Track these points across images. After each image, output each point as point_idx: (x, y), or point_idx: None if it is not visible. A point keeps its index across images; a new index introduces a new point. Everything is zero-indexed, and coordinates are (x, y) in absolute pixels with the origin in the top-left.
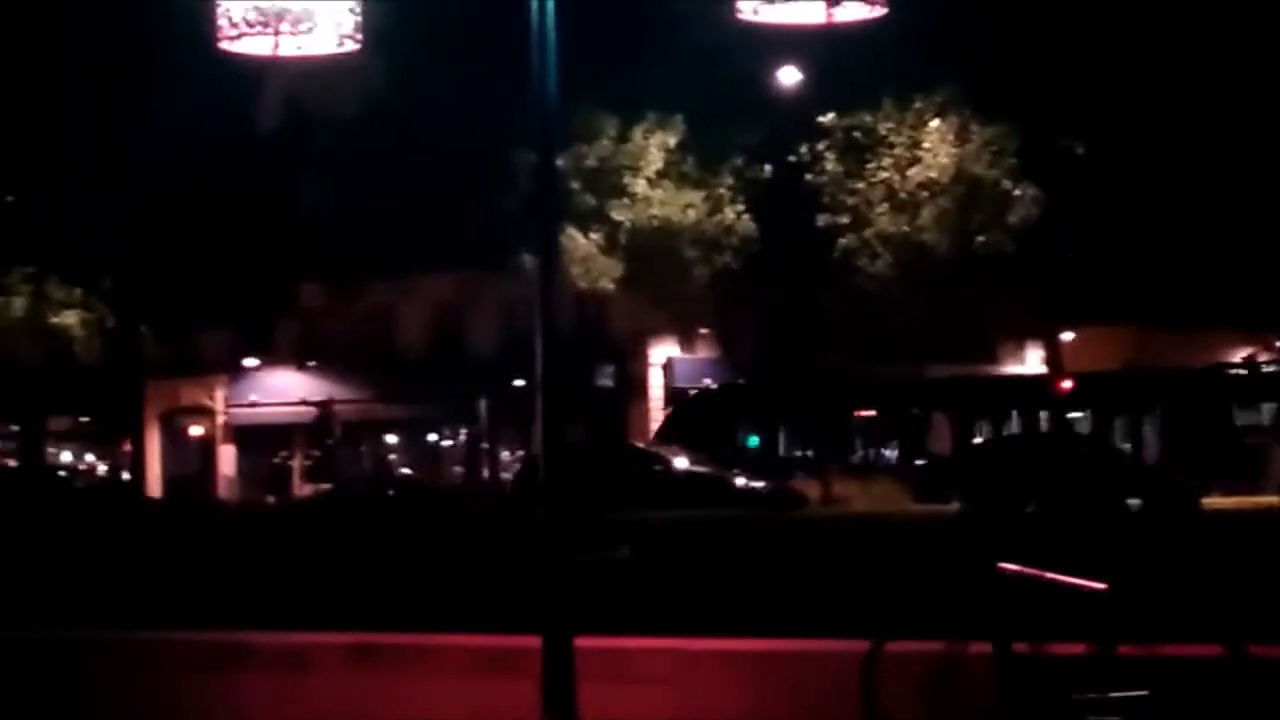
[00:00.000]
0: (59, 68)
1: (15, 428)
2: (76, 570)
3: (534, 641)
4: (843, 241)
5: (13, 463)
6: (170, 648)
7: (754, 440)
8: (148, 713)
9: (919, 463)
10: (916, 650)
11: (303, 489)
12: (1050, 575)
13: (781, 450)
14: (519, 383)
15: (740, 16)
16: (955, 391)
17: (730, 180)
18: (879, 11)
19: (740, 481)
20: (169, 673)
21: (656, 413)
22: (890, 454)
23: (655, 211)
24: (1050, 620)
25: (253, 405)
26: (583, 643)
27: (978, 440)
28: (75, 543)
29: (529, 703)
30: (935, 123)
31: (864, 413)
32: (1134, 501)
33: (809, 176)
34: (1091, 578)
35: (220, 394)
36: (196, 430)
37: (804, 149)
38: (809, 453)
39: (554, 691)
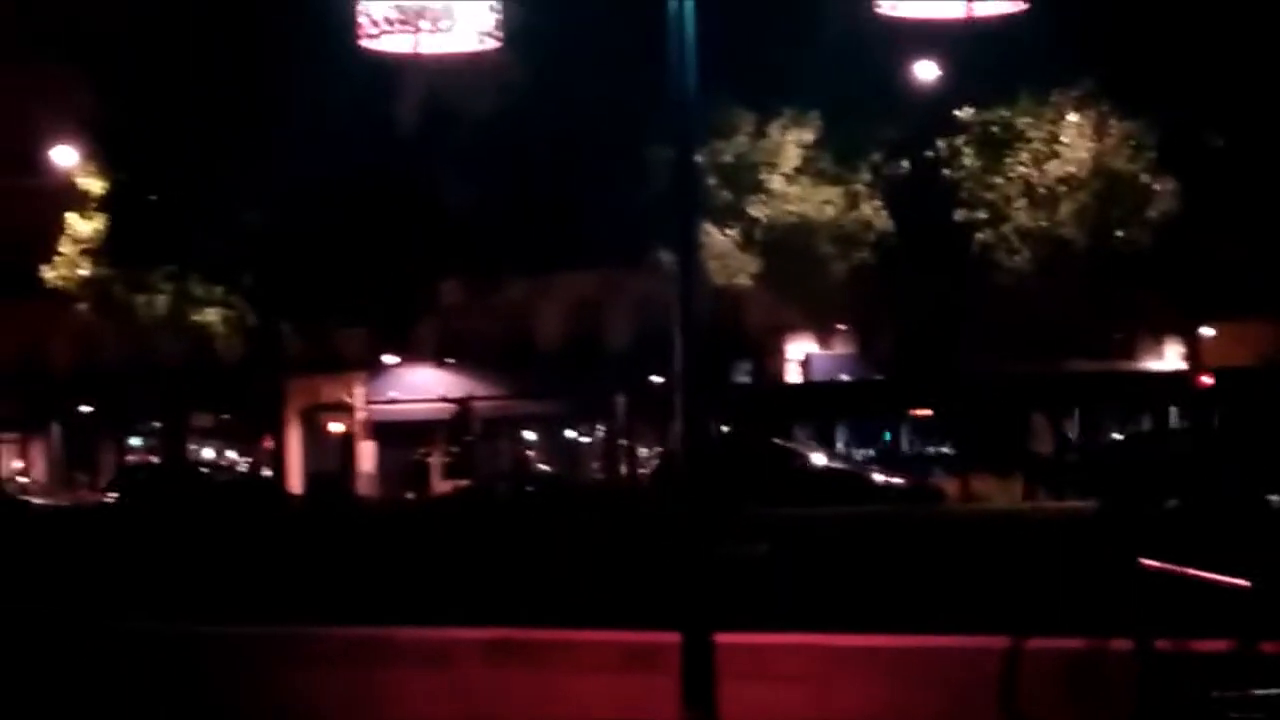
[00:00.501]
0: (202, 67)
1: (158, 424)
2: (220, 565)
3: (674, 638)
4: (980, 237)
5: (155, 459)
6: (312, 642)
7: (888, 436)
8: (288, 707)
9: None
10: (1057, 647)
11: (442, 485)
12: (1192, 572)
13: (910, 447)
14: (657, 379)
15: (880, 11)
16: (1094, 387)
17: (867, 176)
18: (1018, 5)
19: (878, 478)
20: (311, 668)
21: None
22: (1038, 450)
23: (792, 207)
24: (1192, 617)
25: (392, 402)
26: (723, 639)
27: (1117, 436)
28: (218, 538)
29: (669, 699)
30: (1073, 117)
31: (1000, 408)
32: (1276, 498)
33: (946, 171)
34: (1234, 574)
35: (360, 391)
36: (336, 427)
37: (941, 144)
38: (944, 449)
39: (694, 688)
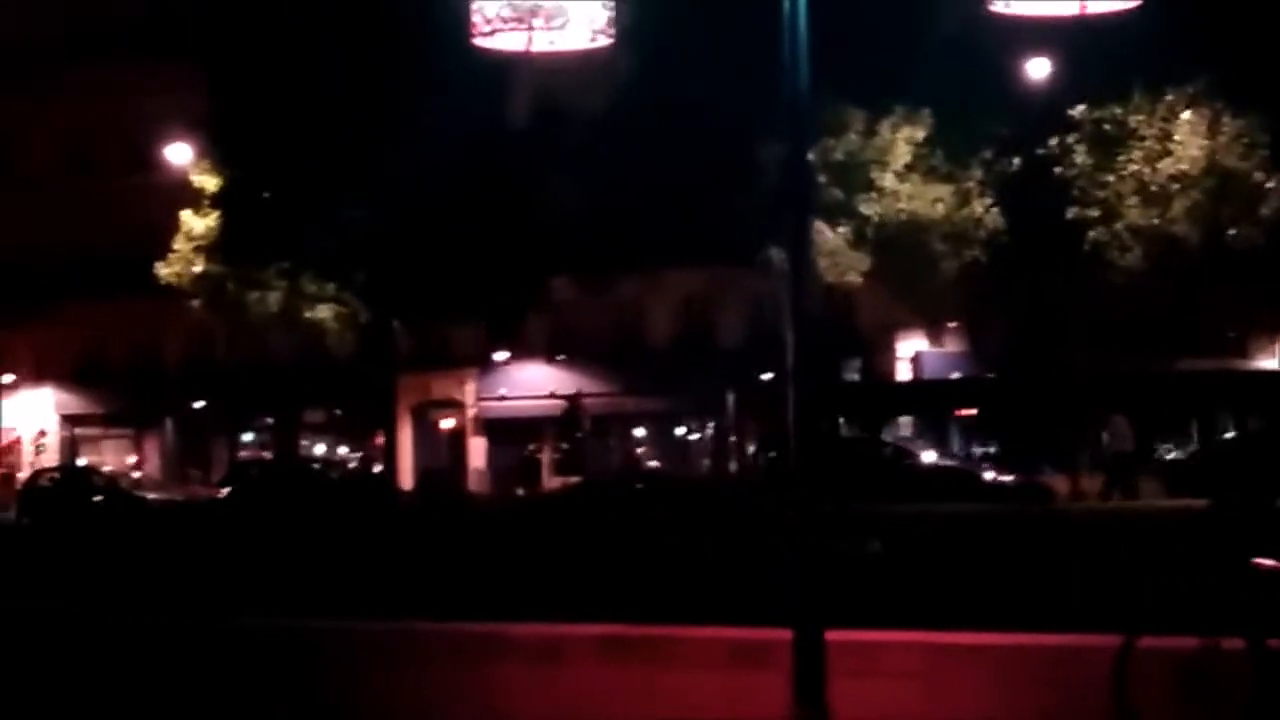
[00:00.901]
0: (316, 64)
1: (270, 420)
2: (332, 561)
3: (784, 635)
4: (1092, 234)
5: (267, 455)
6: (424, 639)
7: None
8: (401, 702)
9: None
10: (1169, 646)
11: (552, 482)
12: None
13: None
14: (766, 376)
15: (993, 8)
16: (1204, 386)
17: (979, 173)
18: (1132, 2)
19: (988, 475)
20: (423, 663)
21: None
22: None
23: (903, 205)
24: None
25: (502, 399)
26: (833, 636)
27: (1228, 434)
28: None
29: (780, 696)
30: (1186, 114)
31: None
32: None
33: (1058, 169)
34: None
35: (470, 387)
36: (447, 423)
37: (1053, 141)
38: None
39: (805, 685)
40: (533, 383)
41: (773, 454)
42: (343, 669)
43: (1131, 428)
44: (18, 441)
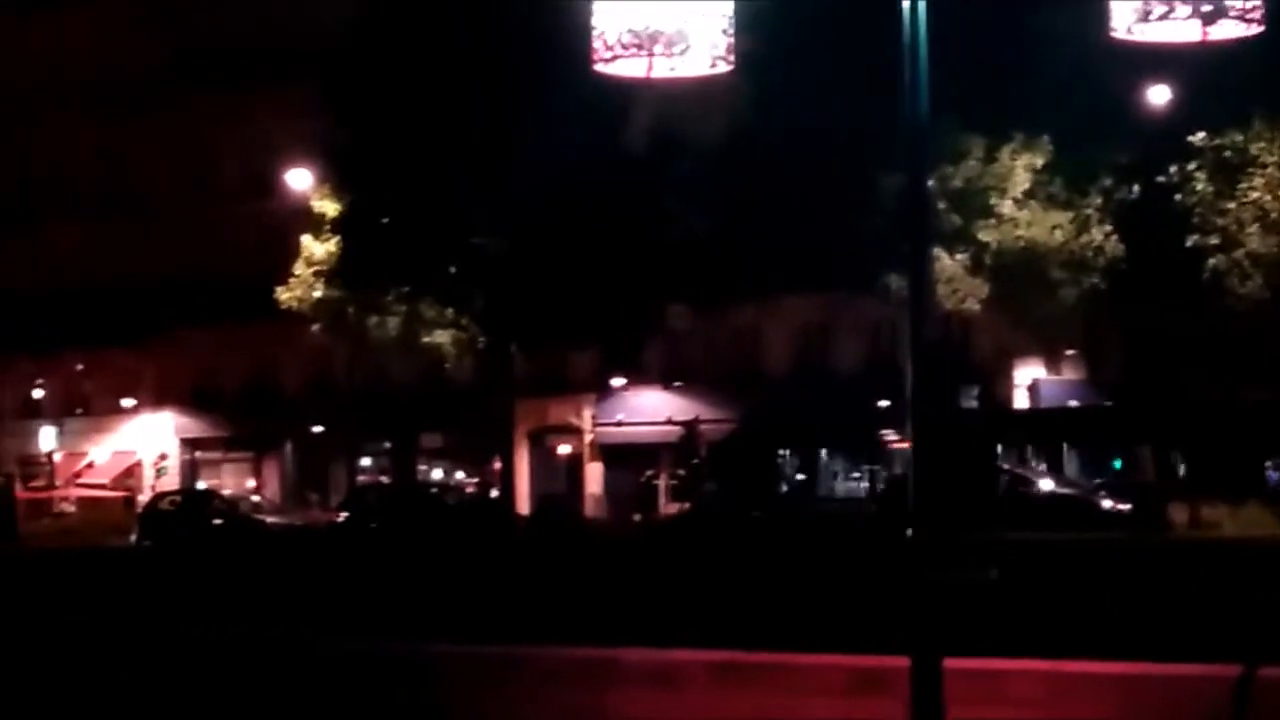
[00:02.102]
0: (434, 90)
1: (388, 445)
2: (449, 584)
3: (902, 662)
4: (1212, 262)
5: (385, 479)
6: (538, 663)
7: (1118, 463)
8: None
9: None
10: None
11: (668, 508)
12: None
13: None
14: (883, 403)
15: (1114, 35)
16: None
17: (1098, 200)
18: (1254, 29)
19: (1106, 504)
20: (536, 688)
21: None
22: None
23: (1022, 232)
24: None
25: (619, 424)
26: (952, 664)
27: None
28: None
29: None
30: None
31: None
32: None
33: (1178, 197)
34: None
35: (588, 413)
36: (564, 449)
37: (1173, 169)
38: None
39: (923, 713)
40: (650, 409)
41: (888, 480)
42: (456, 693)
43: (1155, 459)
44: (138, 465)
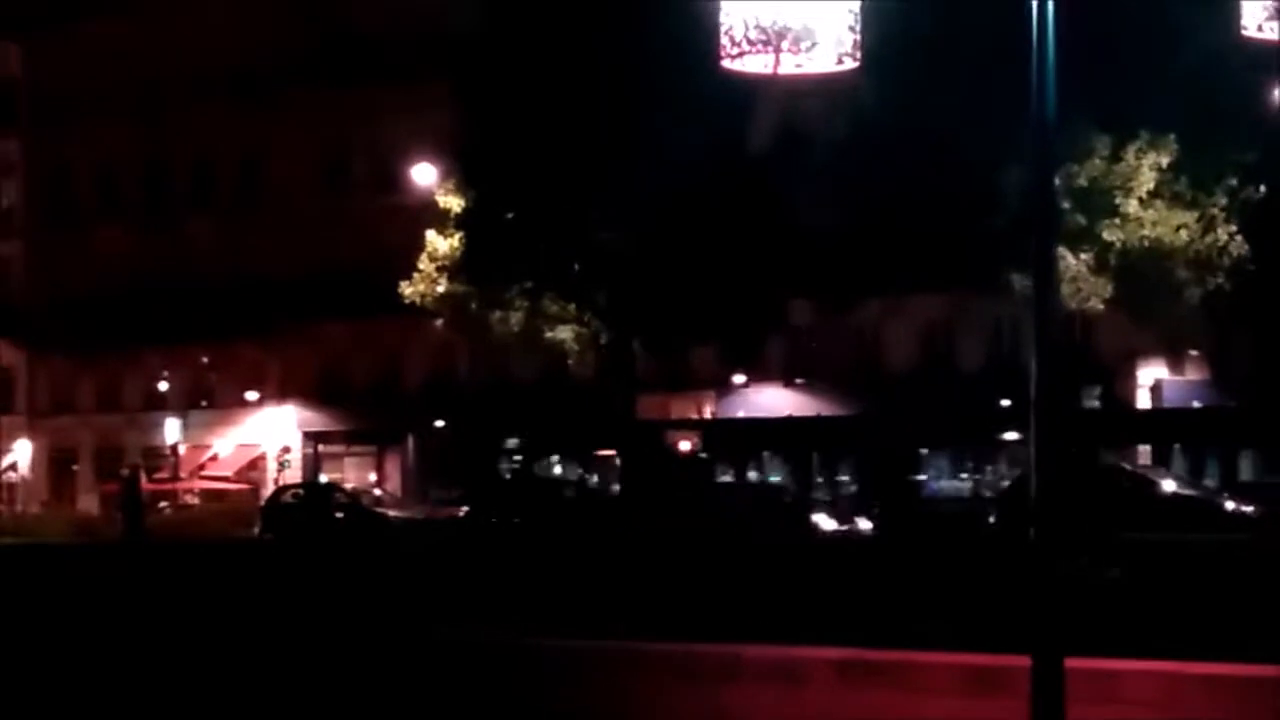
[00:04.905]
0: (558, 85)
1: (510, 440)
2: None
3: (1022, 661)
4: None
5: (506, 474)
6: (658, 658)
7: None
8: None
9: None
10: None
11: None
12: None
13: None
14: (1005, 402)
15: (1244, 32)
16: None
17: (1223, 200)
18: None
19: (1229, 505)
20: (657, 683)
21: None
22: None
23: (1146, 231)
24: None
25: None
26: (1072, 663)
27: None
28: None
29: None
30: None
31: None
32: None
33: None
34: None
35: (709, 409)
36: (685, 445)
37: None
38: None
39: (1043, 712)
40: (770, 406)
41: (1010, 480)
42: (577, 687)
43: None
44: (262, 458)
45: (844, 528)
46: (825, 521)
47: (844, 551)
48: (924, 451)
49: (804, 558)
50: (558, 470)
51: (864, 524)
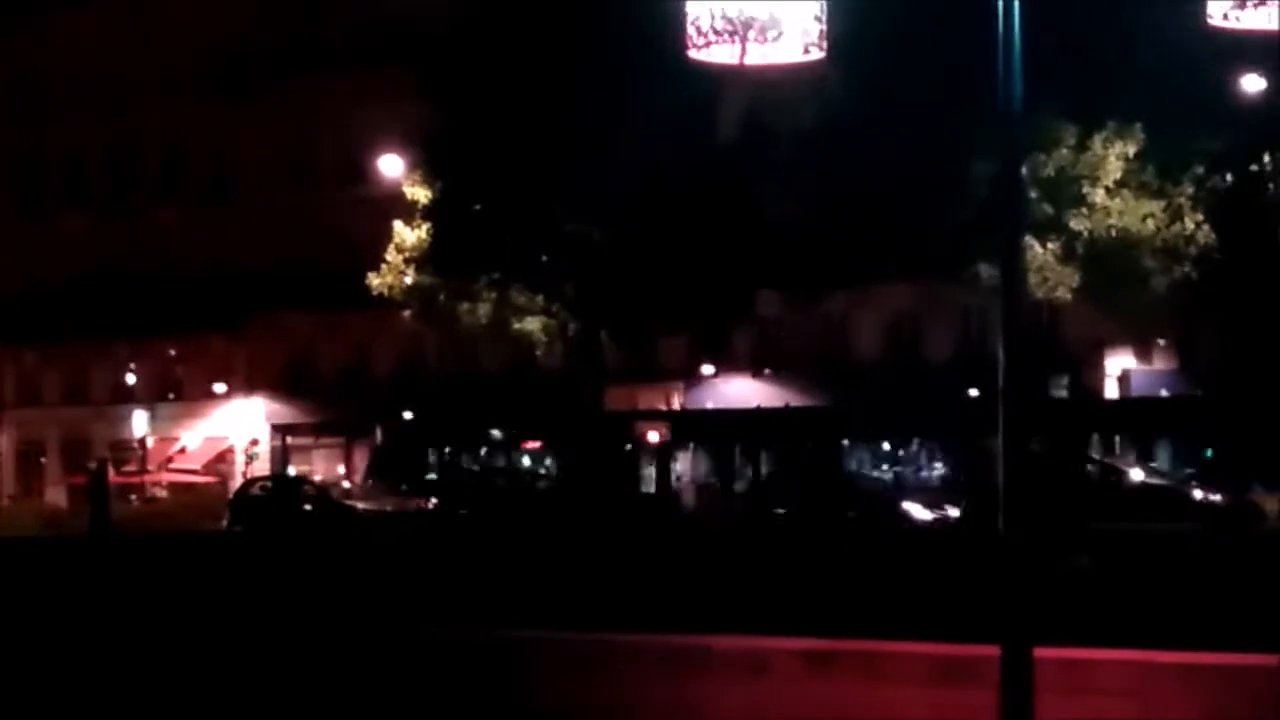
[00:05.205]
0: (524, 76)
1: (478, 431)
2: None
3: (992, 651)
4: None
5: (474, 465)
6: (629, 650)
7: (1209, 452)
8: (606, 713)
9: None
10: None
11: None
12: None
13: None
14: (973, 392)
15: (1211, 23)
16: None
17: (1190, 189)
18: None
19: (1198, 495)
20: (627, 674)
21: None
22: None
23: (1114, 221)
24: None
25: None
26: (1042, 653)
27: None
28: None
29: (987, 713)
30: None
31: None
32: None
33: (1271, 186)
34: None
35: (677, 400)
36: (653, 436)
37: (1266, 158)
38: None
39: (1013, 703)
40: (739, 396)
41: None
42: (547, 680)
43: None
44: (230, 450)
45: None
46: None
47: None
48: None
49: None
50: (527, 461)
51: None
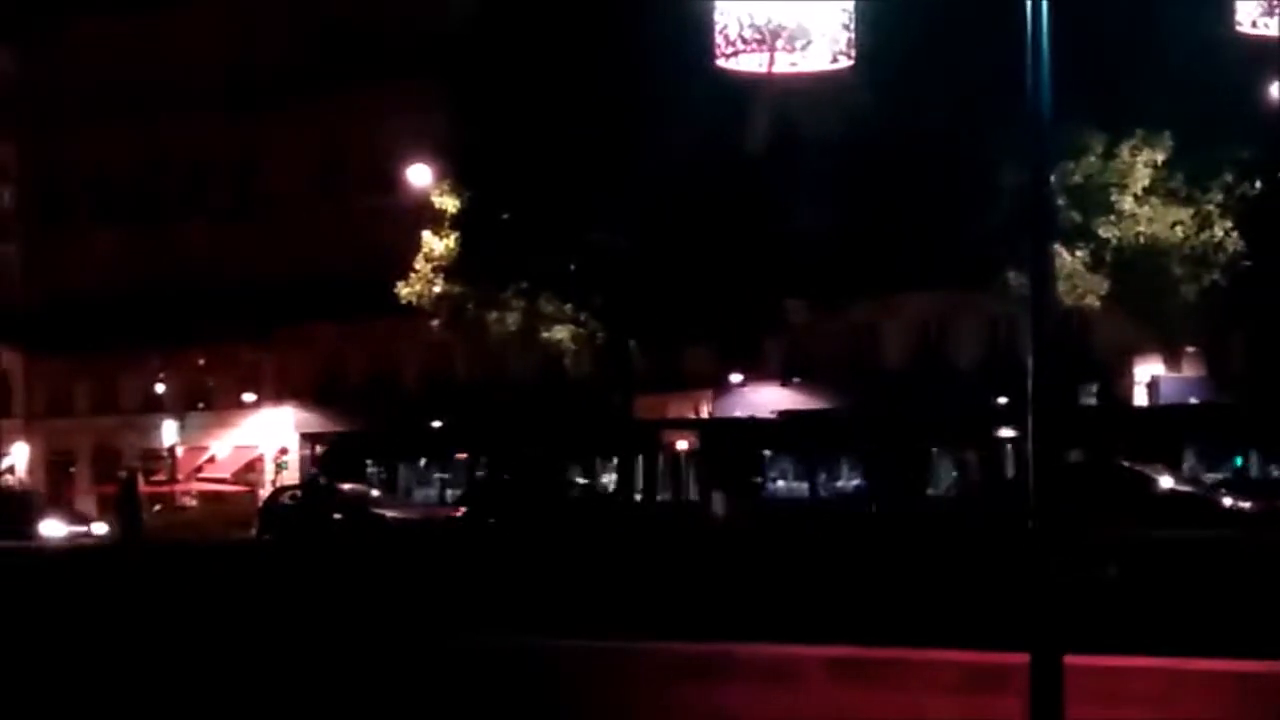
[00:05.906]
0: (553, 86)
1: (507, 440)
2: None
3: (1021, 659)
4: None
5: (505, 475)
6: (656, 656)
7: (1239, 460)
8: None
9: None
10: None
11: None
12: None
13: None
14: (1002, 400)
15: (1239, 29)
16: None
17: (1219, 196)
18: None
19: (1227, 501)
20: (654, 681)
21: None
22: None
23: (1142, 228)
24: None
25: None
26: (1071, 660)
27: None
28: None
29: None
30: None
31: None
32: None
33: None
34: None
35: (706, 409)
36: (682, 444)
37: None
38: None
39: (1042, 710)
40: (767, 405)
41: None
42: (574, 687)
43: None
44: (259, 459)
45: None
46: None
47: None
48: None
49: None
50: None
51: None
